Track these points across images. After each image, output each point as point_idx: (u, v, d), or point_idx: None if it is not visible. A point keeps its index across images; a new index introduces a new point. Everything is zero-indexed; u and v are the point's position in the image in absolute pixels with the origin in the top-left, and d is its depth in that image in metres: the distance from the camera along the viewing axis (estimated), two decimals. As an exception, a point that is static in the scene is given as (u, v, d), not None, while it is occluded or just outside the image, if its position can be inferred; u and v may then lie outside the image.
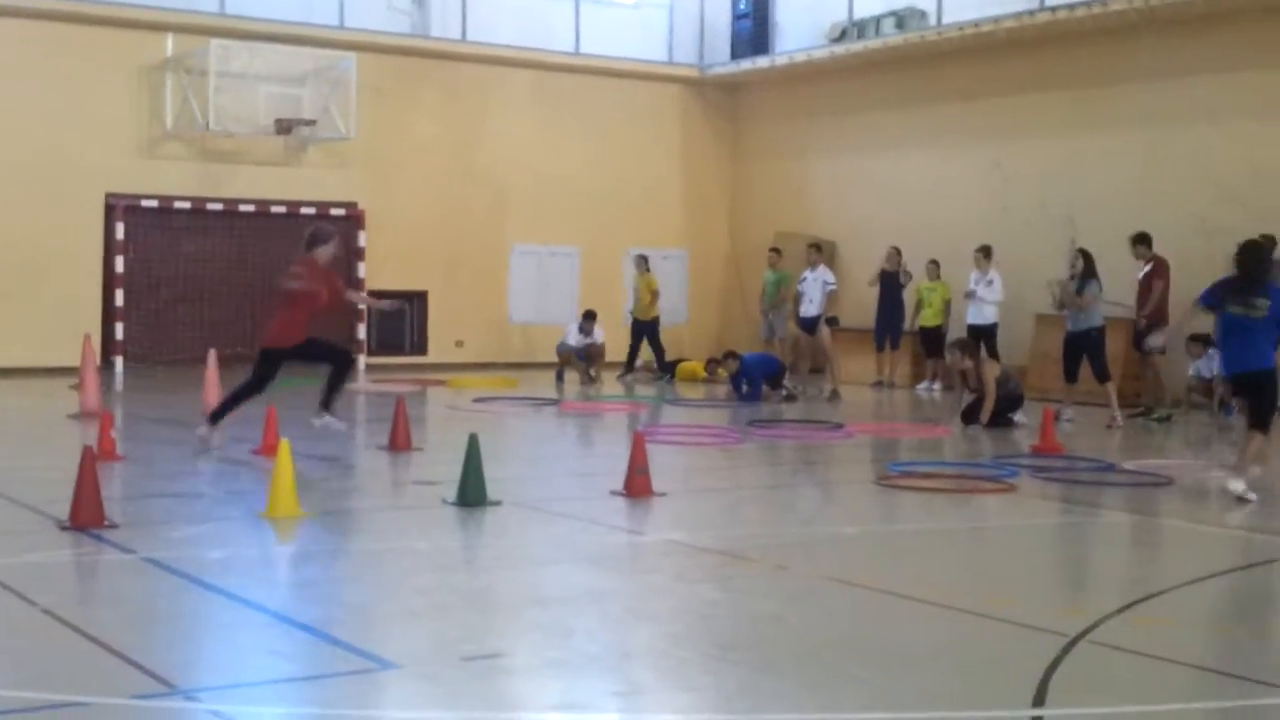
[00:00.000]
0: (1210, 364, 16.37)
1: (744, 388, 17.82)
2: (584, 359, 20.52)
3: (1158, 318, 16.29)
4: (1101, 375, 15.33)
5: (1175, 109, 18.50)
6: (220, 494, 10.01)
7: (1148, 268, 16.56)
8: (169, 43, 20.88)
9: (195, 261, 21.16)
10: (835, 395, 18.02)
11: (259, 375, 12.23)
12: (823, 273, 18.96)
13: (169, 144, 21.11)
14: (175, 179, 20.93)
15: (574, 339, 20.78)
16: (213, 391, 14.53)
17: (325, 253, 12.16)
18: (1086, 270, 15.34)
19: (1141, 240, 16.73)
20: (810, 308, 18.82)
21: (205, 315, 21.06)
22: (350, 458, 12.22)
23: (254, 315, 21.39)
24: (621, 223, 23.93)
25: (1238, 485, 9.99)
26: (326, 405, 12.21)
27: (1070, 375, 15.54)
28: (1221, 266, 16.33)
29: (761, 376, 17.83)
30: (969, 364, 15.15)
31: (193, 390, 15.65)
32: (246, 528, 8.54)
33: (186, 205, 20.94)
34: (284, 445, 8.79)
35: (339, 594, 6.99)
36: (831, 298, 18.91)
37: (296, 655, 5.85)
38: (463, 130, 23.15)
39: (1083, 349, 15.31)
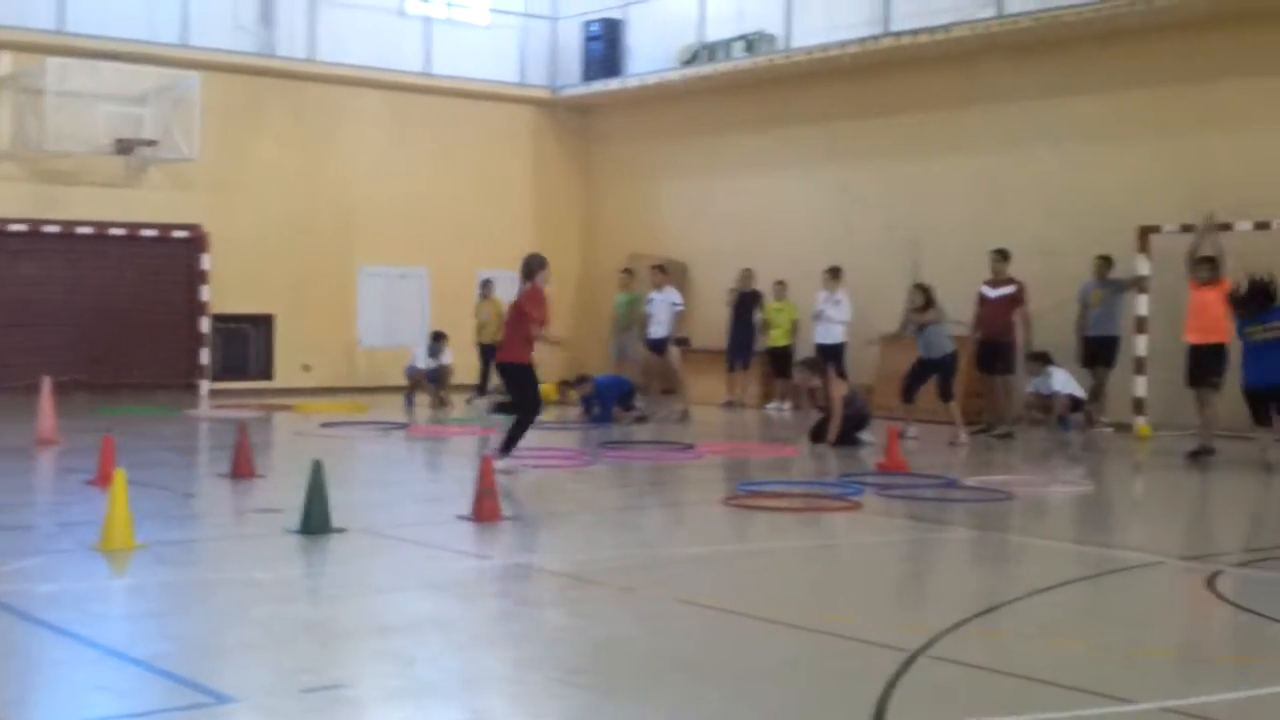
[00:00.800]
0: (1048, 381, 16.77)
1: (594, 409, 17.82)
2: (434, 382, 20.35)
3: (1006, 339, 16.63)
4: (946, 395, 15.63)
5: (1013, 132, 19.00)
6: (52, 526, 9.69)
7: (1008, 289, 16.86)
8: (4, 61, 20.26)
9: (31, 285, 20.53)
10: (685, 416, 18.12)
11: (523, 393, 12.56)
12: (669, 294, 19.08)
13: (3, 164, 20.49)
14: (10, 200, 20.30)
15: (423, 361, 20.60)
16: (47, 421, 14.09)
17: (543, 279, 12.69)
18: (927, 304, 15.69)
19: (1004, 256, 17.08)
20: (658, 329, 18.91)
21: (41, 341, 20.36)
22: (190, 486, 11.92)
23: (92, 340, 20.88)
24: (472, 244, 23.78)
25: None
26: (507, 448, 12.25)
27: (908, 395, 15.81)
28: (1060, 287, 16.89)
29: (613, 398, 17.84)
30: (817, 382, 15.35)
31: (25, 419, 15.16)
32: (79, 561, 8.26)
33: (22, 227, 20.31)
34: (119, 475, 8.54)
35: (174, 627, 6.80)
36: (680, 318, 19.01)
37: (129, 691, 5.67)
38: (310, 151, 22.84)
39: (932, 373, 15.60)
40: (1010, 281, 16.95)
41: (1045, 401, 16.88)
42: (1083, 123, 18.34)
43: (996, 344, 16.79)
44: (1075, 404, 16.78)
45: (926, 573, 8.78)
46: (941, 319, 15.72)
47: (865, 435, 15.17)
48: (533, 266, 12.76)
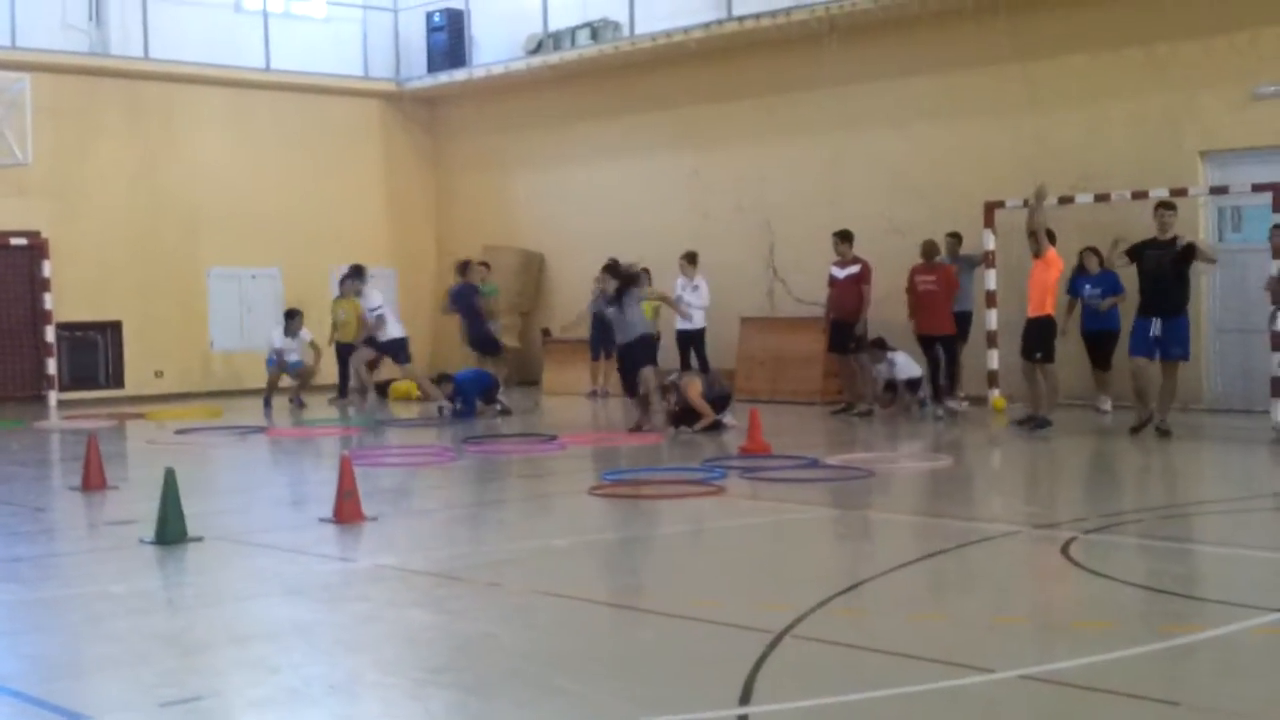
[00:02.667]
0: (891, 368, 16.90)
1: (458, 405, 17.68)
2: (295, 375, 20.08)
3: (856, 319, 16.86)
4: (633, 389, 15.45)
5: (858, 113, 19.25)
6: (-107, 548, 9.33)
7: (854, 269, 17.08)
8: None
9: None
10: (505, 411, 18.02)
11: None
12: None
13: None
14: None
15: (280, 341, 20.27)
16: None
17: None
18: (622, 287, 15.34)
19: (845, 238, 17.29)
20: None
21: None
22: (40, 500, 11.57)
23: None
24: (324, 241, 23.42)
25: None
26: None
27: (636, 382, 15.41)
28: (910, 262, 17.17)
29: (475, 393, 17.72)
30: (669, 392, 15.36)
31: None
32: (-79, 583, 7.99)
33: None
34: (-40, 492, 8.27)
35: (26, 646, 6.60)
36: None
37: (-22, 716, 5.50)
38: (150, 152, 22.28)
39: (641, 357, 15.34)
40: (856, 261, 17.17)
41: (889, 385, 17.04)
42: (924, 102, 18.65)
43: (848, 324, 16.99)
44: (913, 384, 16.96)
45: (790, 553, 8.87)
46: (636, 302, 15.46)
47: (727, 418, 15.27)
48: None
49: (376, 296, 19.20)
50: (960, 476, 12.21)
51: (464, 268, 19.70)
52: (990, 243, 16.89)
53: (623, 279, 15.33)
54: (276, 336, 20.48)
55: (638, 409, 15.45)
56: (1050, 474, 12.65)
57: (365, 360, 19.26)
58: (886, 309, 17.33)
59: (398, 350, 19.17)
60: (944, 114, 18.49)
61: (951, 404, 16.43)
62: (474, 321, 19.46)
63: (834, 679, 5.71)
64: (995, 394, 16.73)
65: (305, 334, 20.38)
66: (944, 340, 16.55)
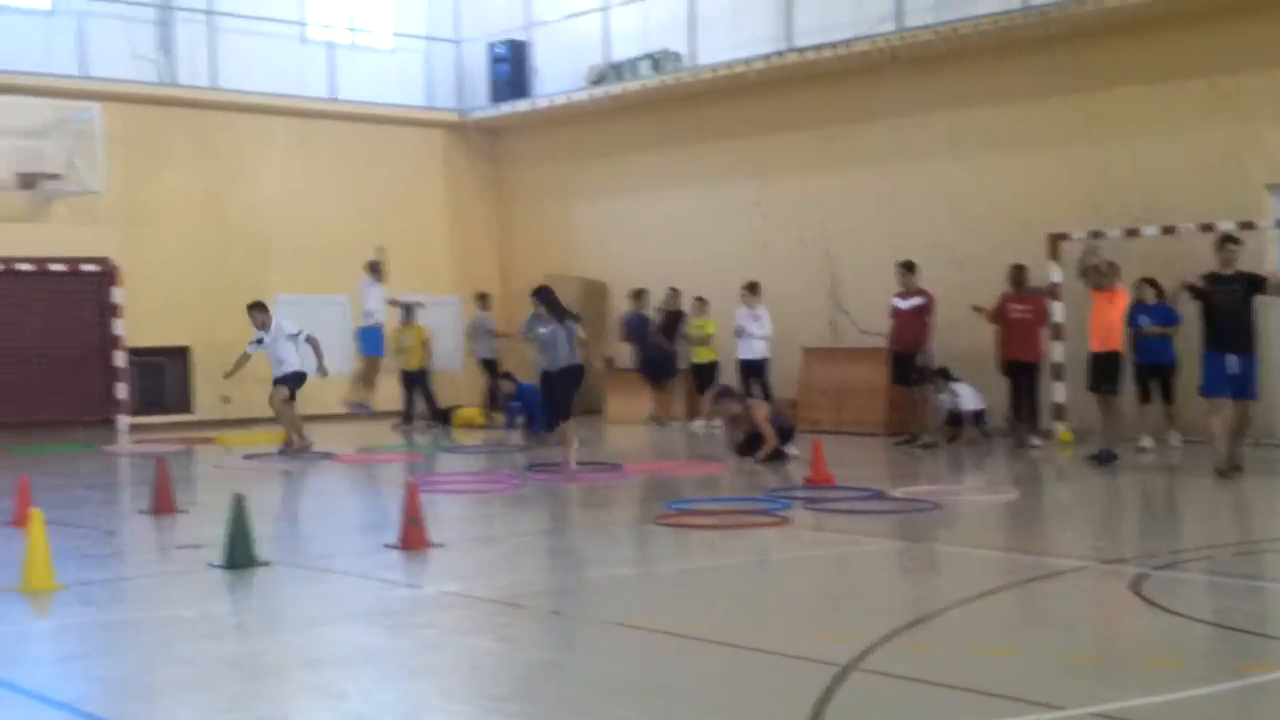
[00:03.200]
0: (954, 399, 16.78)
1: (519, 419, 17.67)
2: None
3: (919, 350, 16.75)
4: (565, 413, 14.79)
5: (919, 144, 19.22)
6: (-32, 570, 9.48)
7: (918, 300, 17.01)
8: (-102, 96, 19.89)
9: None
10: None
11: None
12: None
13: (-97, 202, 20.11)
14: (-89, 238, 19.92)
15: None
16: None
17: None
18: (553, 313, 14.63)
19: (909, 269, 17.22)
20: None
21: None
22: (111, 524, 11.73)
23: (4, 378, 20.47)
24: (389, 270, 23.59)
25: None
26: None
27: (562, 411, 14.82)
28: (974, 296, 17.07)
29: (539, 401, 17.77)
30: (736, 408, 15.36)
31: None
32: (-2, 604, 8.11)
33: (-76, 266, 19.94)
34: (36, 515, 8.40)
35: (99, 669, 6.68)
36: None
37: (55, 738, 5.59)
38: (218, 180, 22.59)
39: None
40: (920, 292, 17.10)
41: (955, 417, 16.92)
42: (986, 133, 18.59)
43: (910, 355, 16.91)
44: (977, 416, 16.82)
45: (855, 585, 8.83)
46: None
47: (791, 449, 15.24)
48: None
49: (290, 323, 17.25)
50: (1027, 510, 12.11)
51: (638, 295, 19.78)
52: (1055, 275, 16.78)
53: (549, 306, 14.65)
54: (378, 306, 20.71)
55: (555, 443, 14.94)
56: (1118, 508, 12.53)
57: (283, 398, 16.92)
58: (948, 339, 17.23)
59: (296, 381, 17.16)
60: (1004, 145, 18.43)
61: (1034, 438, 16.31)
62: (645, 347, 19.31)
63: (901, 714, 5.68)
64: (1061, 427, 16.60)
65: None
66: (1030, 369, 16.44)
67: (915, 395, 17.04)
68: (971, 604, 7.80)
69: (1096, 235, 16.48)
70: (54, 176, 20.63)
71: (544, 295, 14.80)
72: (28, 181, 20.40)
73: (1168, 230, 16.14)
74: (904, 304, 17.15)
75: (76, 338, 21.16)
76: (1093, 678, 6.21)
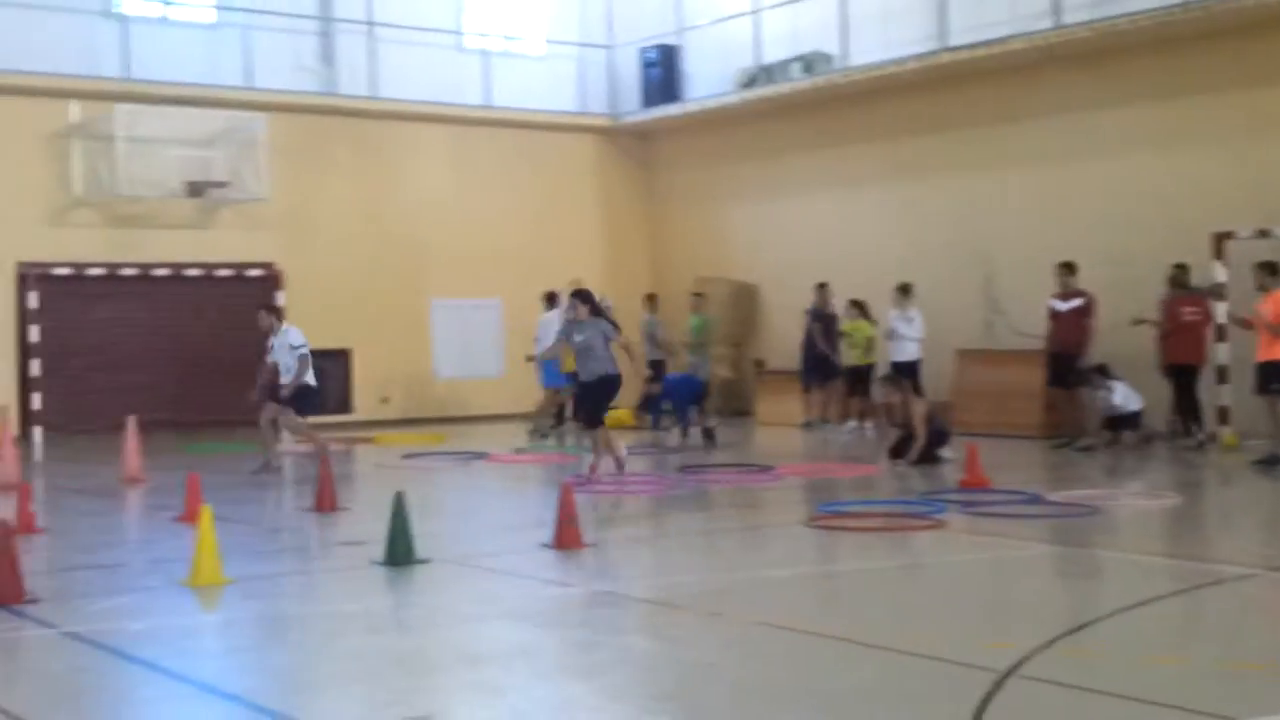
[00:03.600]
0: (1110, 395, 16.34)
1: (660, 410, 17.73)
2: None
3: (1079, 352, 16.40)
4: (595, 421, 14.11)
5: (1076, 143, 18.84)
6: (142, 564, 9.83)
7: (1078, 301, 16.69)
8: (74, 109, 20.63)
9: (111, 328, 20.87)
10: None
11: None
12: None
13: (79, 211, 20.86)
14: (87, 245, 20.68)
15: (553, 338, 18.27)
16: (133, 460, 14.28)
17: None
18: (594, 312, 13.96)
19: (1070, 270, 16.89)
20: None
21: (124, 382, 20.74)
22: (275, 521, 12.06)
23: (173, 379, 21.18)
24: (542, 273, 23.88)
25: None
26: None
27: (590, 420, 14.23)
28: (1136, 294, 16.70)
29: (686, 399, 17.83)
30: (896, 398, 15.24)
31: (112, 459, 15.40)
32: (169, 597, 8.39)
33: (100, 271, 20.69)
34: (205, 511, 8.67)
35: (265, 661, 6.89)
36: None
37: (223, 727, 5.76)
38: (377, 186, 23.09)
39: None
40: (1079, 294, 16.77)
41: (1111, 419, 16.54)
42: (1146, 131, 18.16)
43: (1069, 357, 16.59)
44: (1134, 418, 16.40)
45: (1013, 591, 8.70)
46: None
47: (946, 452, 15.07)
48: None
49: (298, 334, 15.94)
50: (1190, 515, 11.81)
51: (821, 288, 19.94)
52: (1220, 275, 16.33)
53: (591, 308, 13.87)
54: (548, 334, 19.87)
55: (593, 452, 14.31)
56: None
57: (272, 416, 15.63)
58: (1108, 340, 16.84)
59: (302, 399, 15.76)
60: (1165, 142, 17.98)
61: (1196, 441, 15.93)
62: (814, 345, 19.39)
63: (1062, 720, 5.60)
64: (1226, 431, 16.14)
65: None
66: (1192, 371, 16.13)
67: (1074, 398, 16.70)
68: (1134, 611, 7.62)
69: (1264, 234, 15.99)
70: (221, 184, 21.27)
71: (584, 296, 13.95)
72: (196, 190, 21.06)
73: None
74: (1063, 305, 16.84)
75: (242, 341, 21.74)
76: (1262, 688, 6.04)
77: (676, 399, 17.85)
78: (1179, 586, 8.43)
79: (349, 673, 6.52)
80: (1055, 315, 16.90)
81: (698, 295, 21.44)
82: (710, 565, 9.66)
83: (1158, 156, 18.05)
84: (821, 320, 20.39)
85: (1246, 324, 14.79)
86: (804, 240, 22.38)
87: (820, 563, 9.60)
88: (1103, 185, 18.57)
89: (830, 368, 20.33)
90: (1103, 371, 16.48)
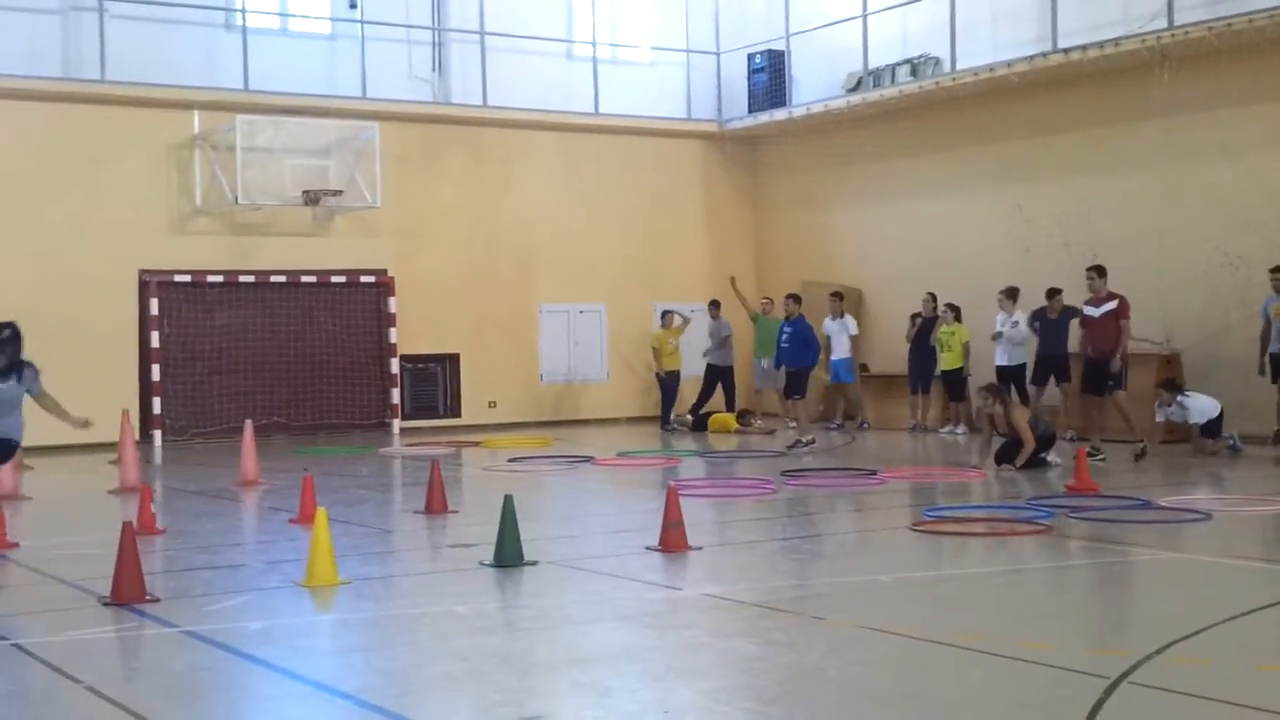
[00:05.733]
0: (1182, 412, 15.93)
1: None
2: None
3: (1113, 357, 15.91)
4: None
5: (1190, 144, 18.53)
6: (259, 564, 10.05)
7: (1111, 305, 16.20)
8: (195, 120, 21.14)
9: (229, 333, 21.33)
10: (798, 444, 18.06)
11: None
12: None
13: (199, 219, 21.36)
14: (206, 253, 21.17)
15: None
16: (250, 462, 14.62)
17: None
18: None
19: (1100, 273, 16.49)
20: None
21: (241, 386, 21.23)
22: (387, 523, 12.27)
23: (288, 384, 21.61)
24: (648, 278, 24.07)
25: None
26: None
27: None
28: (1248, 297, 16.40)
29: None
30: (998, 409, 15.11)
31: (229, 462, 15.77)
32: (285, 597, 8.59)
33: (219, 278, 21.16)
34: (321, 514, 8.86)
35: (378, 661, 7.01)
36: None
37: (340, 725, 5.90)
38: (487, 194, 23.35)
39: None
40: (1111, 297, 16.26)
41: (1184, 431, 16.10)
42: (1261, 131, 17.80)
43: (1104, 362, 15.99)
44: (1211, 427, 15.96)
45: (1123, 597, 8.61)
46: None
47: (1052, 457, 14.91)
48: None
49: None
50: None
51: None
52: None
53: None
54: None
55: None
56: None
57: None
58: (1223, 343, 16.50)
59: None
60: (1280, 144, 17.62)
61: None
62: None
63: (1174, 728, 5.55)
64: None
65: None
66: None
67: (1107, 403, 16.12)
68: (1248, 617, 7.51)
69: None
70: (336, 193, 21.65)
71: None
72: (312, 198, 21.46)
73: None
74: (1096, 311, 16.29)
75: (355, 346, 22.19)
76: (1379, 697, 5.94)
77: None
78: (1294, 595, 8.28)
79: (459, 673, 6.62)
80: (1087, 321, 16.43)
81: (767, 300, 21.88)
82: (814, 569, 9.67)
83: (1273, 158, 17.69)
84: (925, 325, 20.37)
85: None
86: (909, 245, 22.25)
87: (925, 567, 9.56)
88: (1216, 187, 18.24)
89: (925, 372, 20.37)
90: (1172, 386, 16.02)
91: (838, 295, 21.58)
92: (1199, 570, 9.39)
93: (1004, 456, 14.86)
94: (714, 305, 22.64)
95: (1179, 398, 15.89)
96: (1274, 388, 16.38)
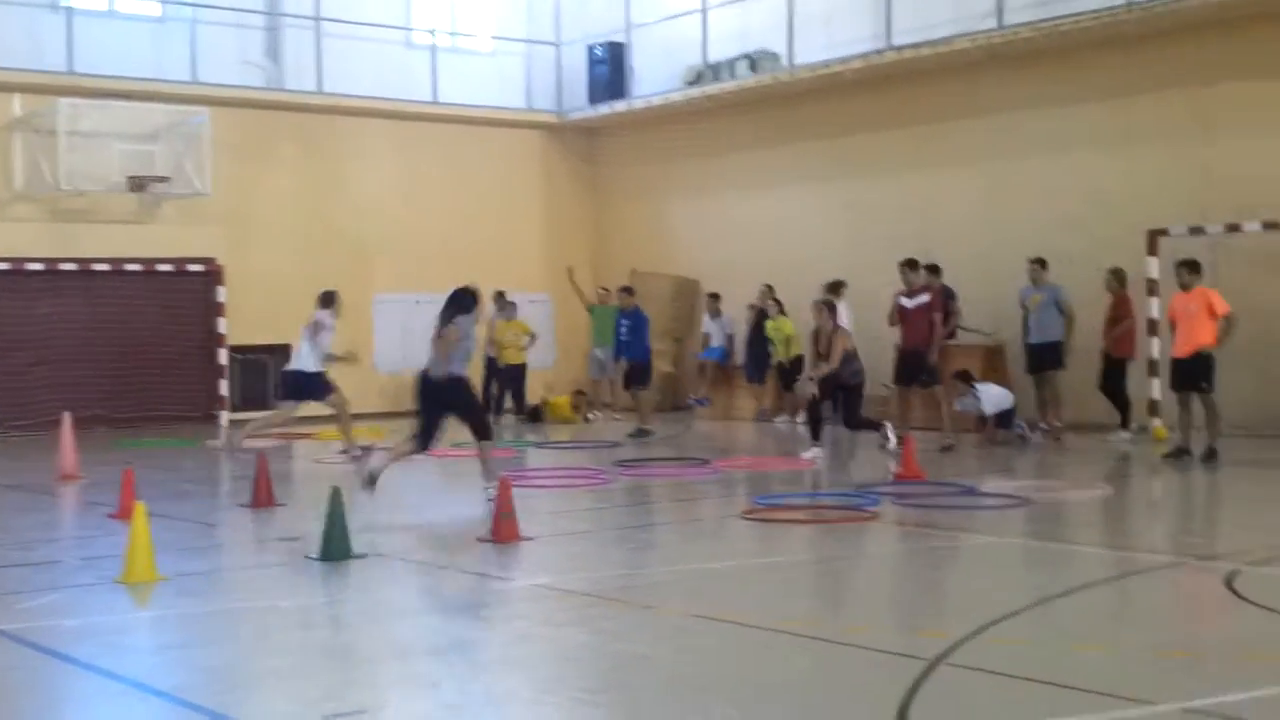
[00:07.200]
0: (975, 403, 16.26)
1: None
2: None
3: (927, 349, 15.98)
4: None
5: (1018, 142, 19.01)
6: (75, 561, 9.71)
7: (924, 298, 16.19)
8: (16, 103, 20.40)
9: (50, 323, 20.63)
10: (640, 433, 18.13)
11: None
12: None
13: (18, 205, 20.62)
14: (26, 240, 20.41)
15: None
16: (69, 456, 14.14)
17: None
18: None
19: (913, 266, 16.50)
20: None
21: (62, 378, 20.49)
22: (211, 517, 11.98)
23: (112, 375, 21.00)
24: (485, 269, 23.80)
25: None
26: None
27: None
28: (1076, 291, 16.88)
29: None
30: (828, 324, 15.26)
31: (47, 455, 15.26)
32: (102, 594, 8.32)
33: (39, 266, 20.43)
34: (139, 508, 8.61)
35: (198, 658, 6.85)
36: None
37: (154, 724, 5.73)
38: (322, 182, 22.96)
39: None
40: (925, 289, 16.40)
41: (979, 421, 16.46)
42: (1086, 130, 18.35)
43: (918, 354, 16.07)
44: (1004, 417, 16.35)
45: (945, 581, 8.80)
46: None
47: (890, 443, 15.05)
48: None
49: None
50: (1120, 506, 11.98)
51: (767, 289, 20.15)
52: (1154, 270, 16.52)
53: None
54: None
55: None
56: (1213, 505, 12.33)
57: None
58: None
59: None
60: (1106, 141, 18.17)
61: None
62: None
63: (990, 708, 5.67)
64: (1157, 423, 16.34)
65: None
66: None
67: (924, 397, 16.32)
68: (1061, 599, 7.74)
69: (1196, 231, 16.21)
70: (163, 179, 21.07)
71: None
72: (138, 184, 20.86)
73: (1270, 226, 15.83)
74: (910, 303, 16.32)
75: (182, 336, 21.64)
76: (1185, 674, 6.15)
77: None
78: (1107, 575, 8.55)
79: (281, 669, 6.51)
80: (902, 312, 16.37)
81: (604, 289, 21.91)
82: (646, 558, 9.70)
83: (1100, 155, 18.25)
84: (760, 317, 20.63)
85: None
86: (746, 237, 22.48)
87: (755, 555, 9.65)
88: (1044, 184, 18.75)
89: (759, 364, 20.67)
90: (965, 377, 16.34)
91: (714, 295, 21.87)
92: (1018, 554, 9.64)
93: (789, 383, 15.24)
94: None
95: (974, 388, 16.21)
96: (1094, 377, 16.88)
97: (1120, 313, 16.66)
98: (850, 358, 15.21)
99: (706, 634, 7.05)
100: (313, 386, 16.52)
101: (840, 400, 15.41)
